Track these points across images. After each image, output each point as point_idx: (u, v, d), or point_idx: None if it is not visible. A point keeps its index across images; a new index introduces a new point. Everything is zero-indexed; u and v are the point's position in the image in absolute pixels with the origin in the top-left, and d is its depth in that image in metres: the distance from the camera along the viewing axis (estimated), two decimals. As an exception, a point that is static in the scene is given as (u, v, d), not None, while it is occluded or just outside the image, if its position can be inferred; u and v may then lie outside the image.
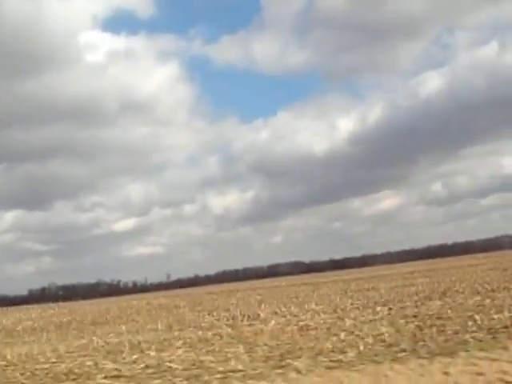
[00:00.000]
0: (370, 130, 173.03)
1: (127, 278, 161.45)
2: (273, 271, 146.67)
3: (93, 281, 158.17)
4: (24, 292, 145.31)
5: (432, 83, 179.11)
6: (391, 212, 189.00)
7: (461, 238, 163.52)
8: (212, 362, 8.77)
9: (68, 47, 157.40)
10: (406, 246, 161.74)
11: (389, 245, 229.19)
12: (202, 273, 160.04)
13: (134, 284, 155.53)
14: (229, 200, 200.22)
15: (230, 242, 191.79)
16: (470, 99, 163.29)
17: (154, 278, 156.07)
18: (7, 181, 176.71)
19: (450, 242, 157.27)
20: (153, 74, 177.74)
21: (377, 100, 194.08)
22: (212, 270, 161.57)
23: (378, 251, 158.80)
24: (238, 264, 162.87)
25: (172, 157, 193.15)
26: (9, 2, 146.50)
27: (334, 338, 9.97)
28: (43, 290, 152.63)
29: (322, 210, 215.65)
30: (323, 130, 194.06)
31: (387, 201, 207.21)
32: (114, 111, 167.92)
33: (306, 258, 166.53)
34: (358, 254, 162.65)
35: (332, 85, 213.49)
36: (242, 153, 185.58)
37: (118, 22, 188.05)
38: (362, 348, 8.63)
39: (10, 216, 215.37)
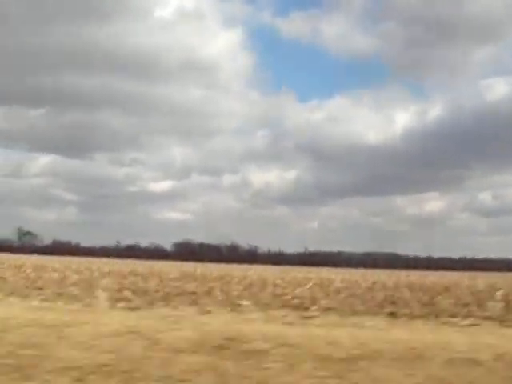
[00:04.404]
0: (427, 129, 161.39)
1: (149, 241, 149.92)
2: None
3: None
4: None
5: (499, 89, 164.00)
6: (435, 215, 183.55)
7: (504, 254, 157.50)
8: None
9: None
10: (446, 253, 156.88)
11: (427, 249, 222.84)
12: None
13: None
14: (270, 177, 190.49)
15: (264, 219, 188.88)
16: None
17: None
18: (50, 124, 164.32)
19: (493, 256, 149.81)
20: (217, 38, 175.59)
21: (438, 99, 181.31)
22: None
23: (414, 254, 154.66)
24: (270, 244, 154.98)
25: (221, 124, 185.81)
26: None
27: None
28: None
29: (364, 203, 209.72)
30: (379, 121, 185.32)
31: (432, 203, 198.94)
32: (172, 69, 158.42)
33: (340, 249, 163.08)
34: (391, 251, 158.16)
35: (394, 78, 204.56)
36: (291, 131, 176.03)
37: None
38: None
39: (45, 160, 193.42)
